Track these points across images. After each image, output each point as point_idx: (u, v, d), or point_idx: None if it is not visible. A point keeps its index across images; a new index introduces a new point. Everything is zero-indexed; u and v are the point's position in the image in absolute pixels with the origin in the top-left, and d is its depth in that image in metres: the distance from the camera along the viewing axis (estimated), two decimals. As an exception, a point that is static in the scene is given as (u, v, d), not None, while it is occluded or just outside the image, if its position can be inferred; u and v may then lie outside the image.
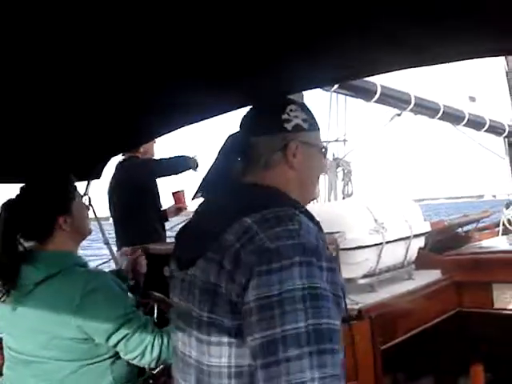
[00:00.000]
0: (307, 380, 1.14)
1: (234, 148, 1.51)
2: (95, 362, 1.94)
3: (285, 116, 1.49)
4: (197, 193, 1.53)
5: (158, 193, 4.57)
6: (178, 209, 4.78)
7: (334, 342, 1.21)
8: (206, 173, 1.53)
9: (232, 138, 1.54)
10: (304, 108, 1.54)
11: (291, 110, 1.50)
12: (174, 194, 4.81)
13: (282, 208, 1.34)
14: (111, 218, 4.48)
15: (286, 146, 1.48)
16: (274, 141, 1.48)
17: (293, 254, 1.22)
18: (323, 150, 1.57)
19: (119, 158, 4.47)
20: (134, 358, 1.93)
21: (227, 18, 1.12)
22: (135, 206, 4.29)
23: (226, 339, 1.29)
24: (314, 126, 1.54)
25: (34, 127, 1.85)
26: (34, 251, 2.02)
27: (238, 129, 1.57)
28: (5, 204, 2.02)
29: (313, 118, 1.55)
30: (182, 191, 4.81)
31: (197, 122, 2.02)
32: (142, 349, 1.89)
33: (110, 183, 4.46)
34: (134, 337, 1.89)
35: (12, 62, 1.19)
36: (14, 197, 2.04)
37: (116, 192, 4.40)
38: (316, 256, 1.24)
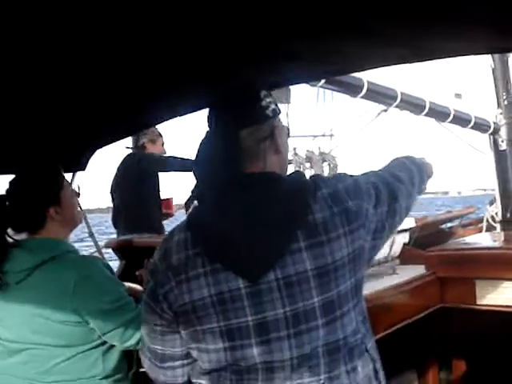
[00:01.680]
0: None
1: (223, 144, 1.47)
2: (87, 350, 1.94)
3: (263, 103, 1.50)
4: (197, 192, 1.50)
5: (159, 186, 4.65)
6: (167, 214, 4.92)
7: None
8: (199, 172, 1.49)
9: (214, 134, 1.52)
10: (269, 92, 1.55)
11: (265, 97, 1.51)
12: (163, 200, 4.91)
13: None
14: (110, 207, 4.55)
15: (272, 133, 1.49)
16: (263, 129, 1.48)
17: (362, 176, 1.55)
18: (287, 130, 1.60)
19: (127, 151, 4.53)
20: (131, 346, 1.93)
21: (217, 13, 1.11)
22: (144, 195, 4.37)
23: (346, 307, 1.41)
24: (279, 108, 1.57)
25: (19, 116, 1.83)
26: (27, 239, 2.02)
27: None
28: None
29: (275, 100, 1.56)
30: (171, 198, 5.00)
31: (185, 114, 2.01)
32: (139, 337, 1.89)
33: (118, 170, 4.53)
34: (132, 324, 1.89)
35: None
36: (2, 191, 2.03)
37: (125, 179, 4.46)
38: None
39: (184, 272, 1.40)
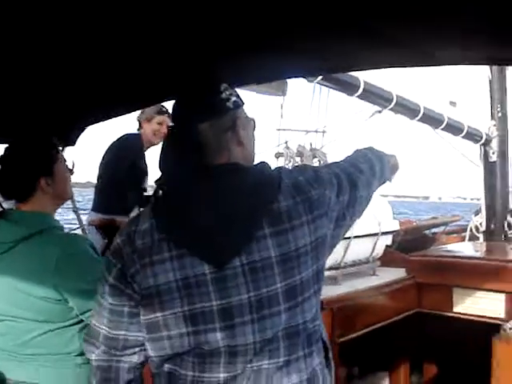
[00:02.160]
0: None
1: (184, 137, 1.48)
2: (64, 327, 1.93)
3: (223, 95, 1.49)
4: (160, 188, 1.50)
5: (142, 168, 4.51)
6: None
7: None
8: (163, 166, 1.50)
9: (177, 128, 1.52)
10: (230, 85, 1.55)
11: (226, 89, 1.51)
12: None
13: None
14: (90, 182, 4.44)
15: (234, 125, 1.49)
16: (224, 121, 1.48)
17: (321, 167, 1.62)
18: (253, 122, 1.59)
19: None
20: None
21: (215, 6, 1.12)
22: (119, 177, 4.27)
23: (307, 293, 1.43)
24: (242, 100, 1.57)
25: (11, 87, 1.82)
26: (14, 210, 2.01)
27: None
28: None
29: (238, 92, 1.57)
30: None
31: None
32: None
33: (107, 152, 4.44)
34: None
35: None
36: None
37: (103, 159, 4.38)
38: None
39: (148, 256, 1.41)
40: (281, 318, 1.38)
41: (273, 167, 1.52)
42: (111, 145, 4.35)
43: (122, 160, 4.31)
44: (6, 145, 2.04)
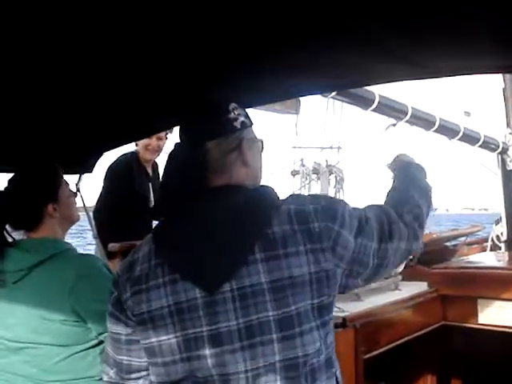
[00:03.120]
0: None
1: (188, 156, 1.46)
2: (85, 349, 1.94)
3: (231, 115, 1.49)
4: (162, 207, 1.50)
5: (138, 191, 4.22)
6: None
7: None
8: (167, 184, 1.49)
9: (182, 146, 1.51)
10: (239, 105, 1.54)
11: (234, 109, 1.50)
12: None
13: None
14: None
15: (240, 145, 1.49)
16: (230, 141, 1.47)
17: (334, 199, 1.55)
18: (261, 143, 1.58)
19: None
20: None
21: (221, 24, 1.12)
22: (112, 200, 4.13)
23: (307, 325, 1.35)
24: (251, 120, 1.56)
25: (26, 115, 1.84)
26: (25, 239, 2.02)
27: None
28: None
29: (247, 113, 1.56)
30: None
31: None
32: None
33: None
34: None
35: (4, 51, 1.19)
36: (1, 188, 2.03)
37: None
38: None
39: (145, 282, 1.40)
40: (273, 348, 1.32)
41: (289, 186, 1.50)
42: (107, 169, 4.23)
43: (116, 188, 4.18)
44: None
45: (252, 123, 1.55)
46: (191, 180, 1.44)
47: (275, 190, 1.48)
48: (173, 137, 4.45)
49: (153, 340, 1.40)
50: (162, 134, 4.15)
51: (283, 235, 1.35)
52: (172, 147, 1.53)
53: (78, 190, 2.58)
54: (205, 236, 1.36)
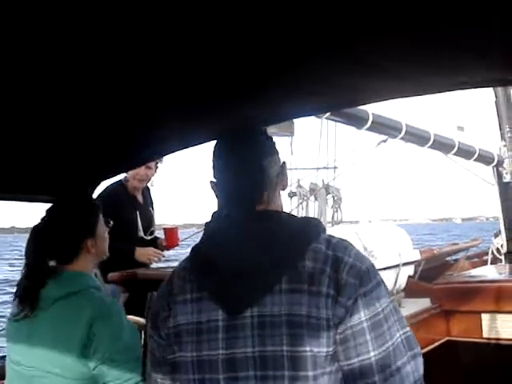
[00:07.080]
0: (413, 382, 1.32)
1: (249, 172, 1.42)
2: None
3: (268, 135, 1.50)
4: (207, 222, 1.49)
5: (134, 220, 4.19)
6: (169, 247, 4.32)
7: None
8: (224, 198, 1.46)
9: (244, 161, 1.44)
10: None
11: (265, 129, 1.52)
12: (166, 230, 4.33)
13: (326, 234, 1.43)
14: None
15: (283, 166, 1.48)
16: (278, 160, 1.47)
17: (376, 272, 1.38)
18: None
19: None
20: None
21: (214, 40, 1.12)
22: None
23: (320, 370, 1.28)
24: None
25: (21, 145, 1.84)
26: (59, 269, 2.02)
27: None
28: (34, 229, 2.04)
29: None
30: (175, 229, 4.37)
31: (192, 146, 2.00)
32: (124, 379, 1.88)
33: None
34: (126, 366, 1.88)
35: (12, 77, 1.19)
36: (40, 221, 2.04)
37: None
38: None
39: (176, 296, 1.41)
40: None
41: (287, 207, 1.49)
42: (95, 199, 4.14)
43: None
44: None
45: None
46: (245, 200, 1.41)
47: (322, 224, 1.46)
48: (163, 166, 4.51)
49: (176, 355, 1.39)
50: (152, 164, 4.17)
51: (313, 271, 1.31)
52: (217, 175, 1.48)
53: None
54: (237, 259, 1.35)
